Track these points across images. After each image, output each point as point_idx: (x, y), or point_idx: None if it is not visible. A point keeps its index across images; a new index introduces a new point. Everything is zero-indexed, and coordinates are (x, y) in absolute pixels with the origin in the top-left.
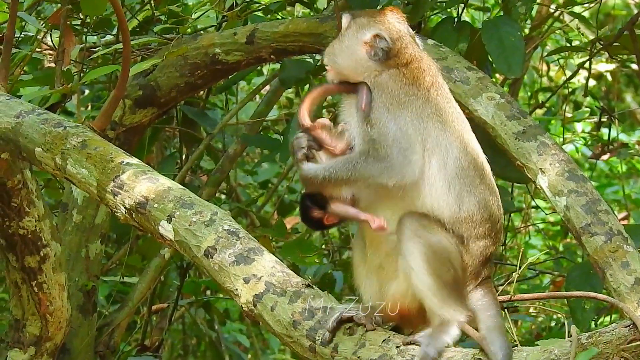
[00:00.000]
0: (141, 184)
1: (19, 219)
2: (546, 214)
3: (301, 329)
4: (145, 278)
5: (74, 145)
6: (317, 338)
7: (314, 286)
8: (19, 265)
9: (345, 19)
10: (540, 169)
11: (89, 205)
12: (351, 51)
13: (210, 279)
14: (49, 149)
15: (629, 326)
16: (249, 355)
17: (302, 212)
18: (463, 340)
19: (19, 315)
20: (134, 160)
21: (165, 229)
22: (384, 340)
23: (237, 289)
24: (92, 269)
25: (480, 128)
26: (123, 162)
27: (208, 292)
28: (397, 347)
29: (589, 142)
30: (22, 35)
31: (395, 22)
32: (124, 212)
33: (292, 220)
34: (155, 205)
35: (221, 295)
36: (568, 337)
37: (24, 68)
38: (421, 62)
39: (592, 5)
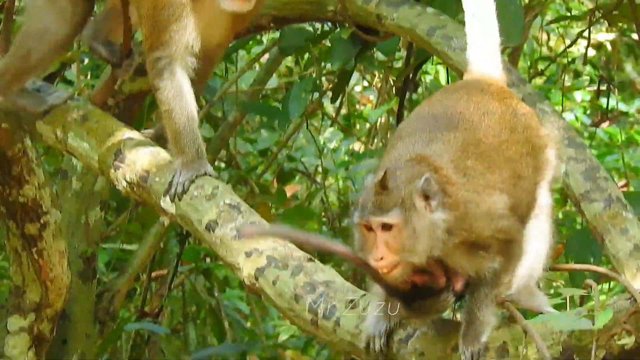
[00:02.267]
0: (142, 157)
1: (19, 187)
2: None
3: (303, 303)
4: (145, 245)
5: (75, 119)
6: (319, 312)
7: (315, 260)
8: (19, 232)
9: None
10: None
11: (88, 173)
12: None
13: None
14: (49, 122)
15: (629, 299)
16: (249, 323)
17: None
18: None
19: (19, 282)
20: (135, 134)
21: (167, 203)
22: None
23: (238, 263)
24: (92, 236)
25: None
26: (124, 135)
27: (208, 259)
28: (399, 320)
29: (589, 111)
30: (22, 4)
31: None
32: (125, 186)
33: (292, 188)
34: (157, 179)
35: (221, 263)
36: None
37: None
38: None
39: None
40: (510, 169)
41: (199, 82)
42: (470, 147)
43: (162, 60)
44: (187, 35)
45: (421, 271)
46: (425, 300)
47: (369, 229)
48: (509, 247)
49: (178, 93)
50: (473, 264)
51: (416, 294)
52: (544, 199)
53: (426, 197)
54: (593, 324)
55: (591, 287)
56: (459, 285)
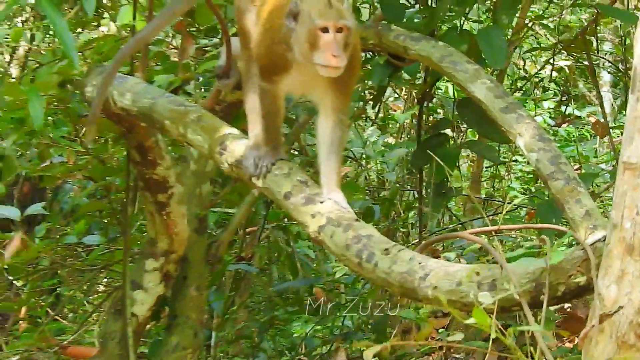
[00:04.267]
0: (239, 147)
1: (153, 168)
2: (523, 165)
3: (352, 251)
4: (241, 209)
5: (192, 119)
6: (363, 257)
7: (361, 220)
8: (153, 200)
9: None
10: (519, 133)
11: (201, 158)
12: None
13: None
14: (174, 121)
15: (582, 250)
16: (315, 264)
17: None
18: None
19: (153, 235)
20: (234, 130)
21: (256, 179)
22: (410, 259)
23: (306, 222)
24: (204, 203)
25: (476, 104)
26: (227, 131)
27: (285, 219)
28: (419, 263)
29: (553, 116)
30: (155, 38)
31: None
32: (227, 167)
33: (344, 169)
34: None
35: (295, 222)
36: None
37: (157, 62)
38: None
39: (555, 18)
40: None
41: None
42: None
43: (266, 90)
44: (287, 84)
45: None
46: None
47: (326, 30)
48: None
49: (274, 107)
50: None
51: None
52: None
53: None
54: (546, 264)
55: (544, 240)
56: None
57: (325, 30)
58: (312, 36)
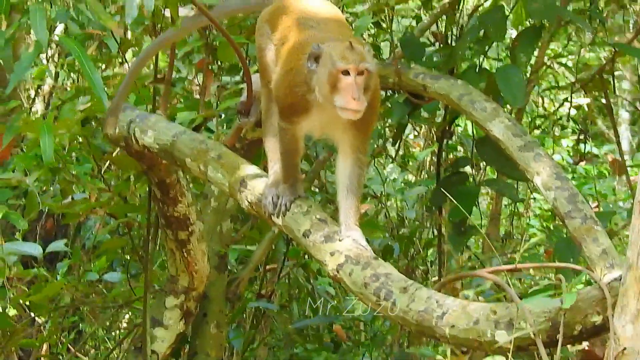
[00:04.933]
0: (259, 185)
1: (174, 205)
2: (541, 203)
3: (370, 289)
4: (262, 246)
5: (213, 157)
6: (381, 295)
7: (379, 258)
8: (174, 237)
9: None
10: (536, 171)
11: (222, 195)
12: None
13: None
14: (195, 159)
15: (598, 288)
16: (334, 301)
17: None
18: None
19: (173, 272)
20: (255, 168)
21: (275, 217)
22: (428, 297)
23: (325, 260)
24: (225, 240)
25: (494, 142)
26: (247, 169)
27: (306, 257)
28: (437, 302)
29: (571, 154)
30: (177, 76)
31: None
32: (247, 205)
33: (364, 207)
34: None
35: (314, 259)
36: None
37: (180, 99)
38: None
39: (573, 57)
40: None
41: None
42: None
43: (285, 130)
44: (306, 125)
45: None
46: None
47: (347, 73)
48: None
49: (293, 146)
50: None
51: None
52: None
53: None
54: (562, 304)
55: (560, 279)
56: None
57: (346, 73)
58: (333, 78)
